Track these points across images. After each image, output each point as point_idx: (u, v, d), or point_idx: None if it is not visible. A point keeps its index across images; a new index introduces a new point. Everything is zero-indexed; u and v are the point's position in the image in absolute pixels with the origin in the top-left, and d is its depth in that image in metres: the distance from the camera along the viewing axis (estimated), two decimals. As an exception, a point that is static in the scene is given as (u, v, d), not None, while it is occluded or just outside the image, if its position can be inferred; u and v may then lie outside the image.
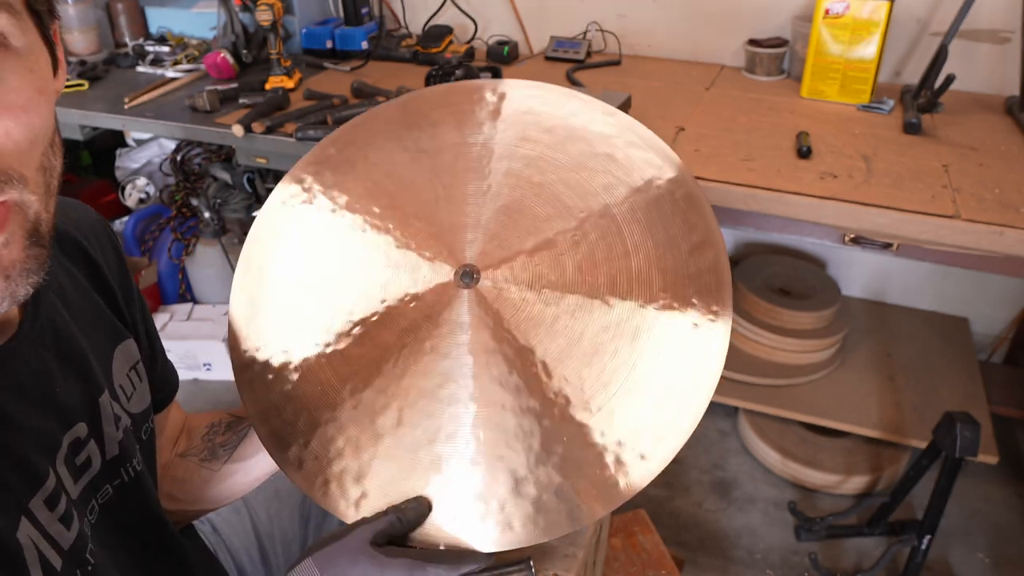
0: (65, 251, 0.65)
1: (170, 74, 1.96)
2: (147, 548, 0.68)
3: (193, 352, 2.13)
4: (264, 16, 1.71)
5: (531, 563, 1.00)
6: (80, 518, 0.59)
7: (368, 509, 0.65)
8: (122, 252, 0.74)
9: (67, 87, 1.85)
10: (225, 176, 2.10)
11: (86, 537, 0.59)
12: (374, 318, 0.69)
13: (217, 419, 0.81)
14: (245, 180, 2.08)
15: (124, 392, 0.67)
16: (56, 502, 0.56)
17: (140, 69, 2.02)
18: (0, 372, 0.54)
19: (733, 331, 1.99)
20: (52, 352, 0.59)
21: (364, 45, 2.04)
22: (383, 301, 0.69)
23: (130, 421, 0.68)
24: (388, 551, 0.59)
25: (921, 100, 1.61)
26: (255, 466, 0.78)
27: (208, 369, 2.16)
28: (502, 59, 2.01)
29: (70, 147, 2.43)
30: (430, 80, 1.69)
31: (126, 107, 1.75)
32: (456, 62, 1.71)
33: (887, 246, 1.37)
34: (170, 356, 0.84)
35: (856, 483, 1.82)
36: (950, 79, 1.54)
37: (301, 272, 0.72)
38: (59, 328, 0.60)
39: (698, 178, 1.38)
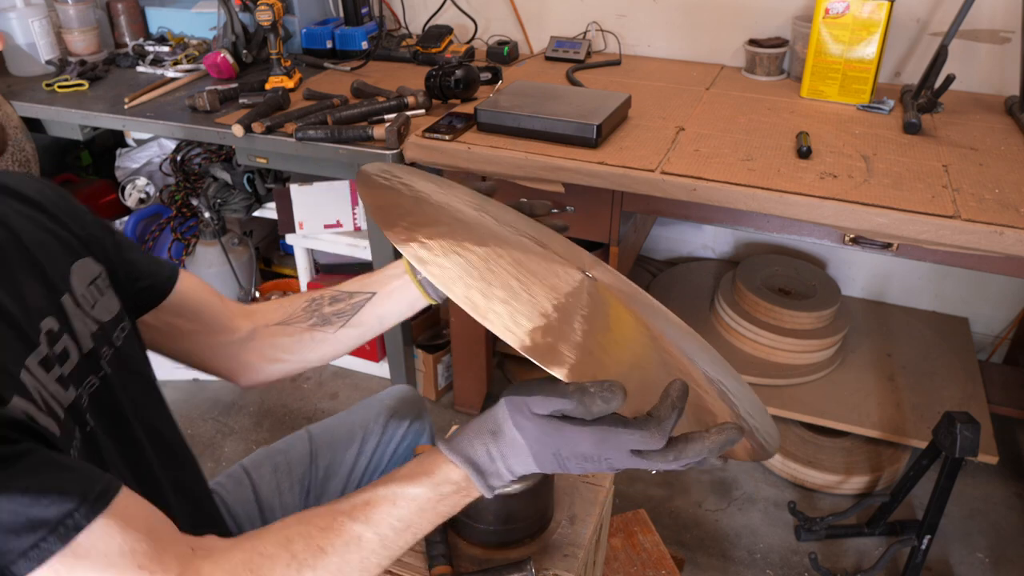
0: (13, 198, 0.77)
1: (170, 74, 1.96)
2: (135, 440, 0.78)
3: (193, 352, 2.13)
4: (264, 16, 1.71)
5: (531, 563, 1.00)
6: (77, 395, 0.69)
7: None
8: (71, 197, 0.84)
9: (67, 87, 1.85)
10: (225, 176, 2.10)
11: (83, 407, 0.70)
12: None
13: (317, 295, 0.94)
14: (245, 180, 2.08)
15: (86, 301, 0.77)
16: (50, 366, 0.66)
17: (140, 69, 2.02)
18: None
19: (733, 331, 2.00)
20: (11, 256, 0.70)
21: (364, 45, 2.04)
22: None
23: (97, 326, 0.77)
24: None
25: (921, 100, 1.61)
26: (370, 331, 0.92)
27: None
28: (502, 59, 2.01)
29: (70, 147, 2.43)
30: (430, 80, 1.69)
31: (126, 107, 1.75)
32: (456, 62, 1.71)
33: (887, 246, 1.37)
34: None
35: (856, 483, 1.82)
36: (950, 79, 1.54)
37: None
38: (13, 242, 0.71)
39: (698, 178, 1.38)
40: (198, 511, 0.89)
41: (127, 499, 0.59)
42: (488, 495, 0.64)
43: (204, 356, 0.93)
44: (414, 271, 0.81)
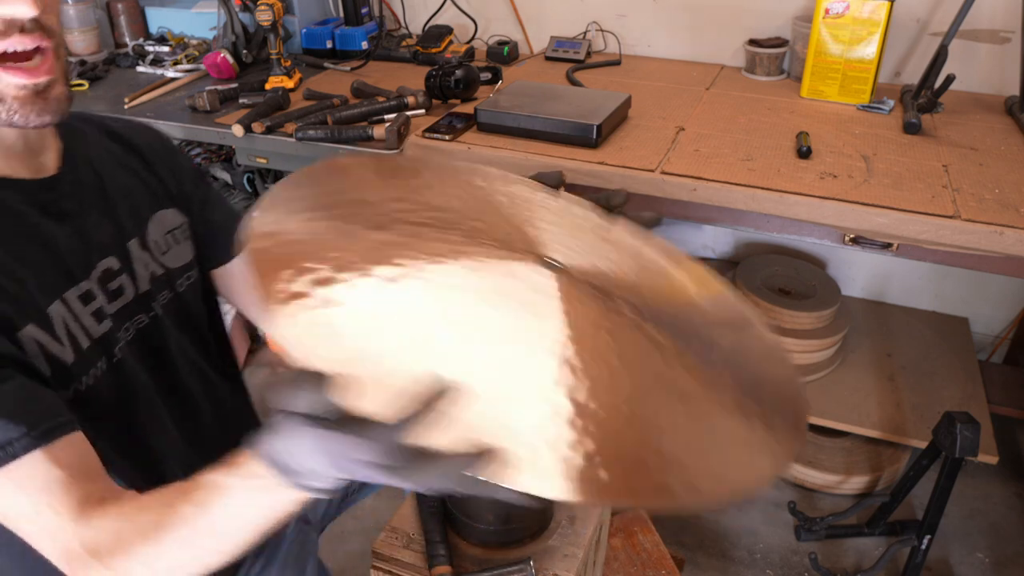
0: (115, 141, 0.86)
1: (170, 74, 1.96)
2: (175, 377, 0.86)
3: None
4: (264, 16, 1.71)
5: (531, 563, 1.00)
6: (116, 325, 0.79)
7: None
8: (176, 150, 0.93)
9: (67, 87, 1.85)
10: (225, 176, 2.10)
11: (117, 338, 0.79)
12: None
13: None
14: (245, 180, 2.08)
15: (159, 247, 0.86)
16: (89, 300, 0.75)
17: (140, 69, 2.02)
18: (44, 196, 0.74)
19: (733, 331, 2.00)
20: (89, 197, 0.79)
21: (364, 45, 2.04)
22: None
23: (163, 270, 0.86)
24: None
25: (921, 100, 1.61)
26: None
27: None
28: (502, 59, 2.01)
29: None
30: (430, 80, 1.69)
31: (126, 107, 1.75)
32: (456, 62, 1.71)
33: (887, 246, 1.37)
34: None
35: (856, 483, 1.82)
36: (950, 79, 1.54)
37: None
38: (96, 183, 0.80)
39: (698, 178, 1.38)
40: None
41: (71, 441, 0.65)
42: (317, 495, 0.54)
43: (255, 319, 0.98)
44: None
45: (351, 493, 1.16)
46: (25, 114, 0.67)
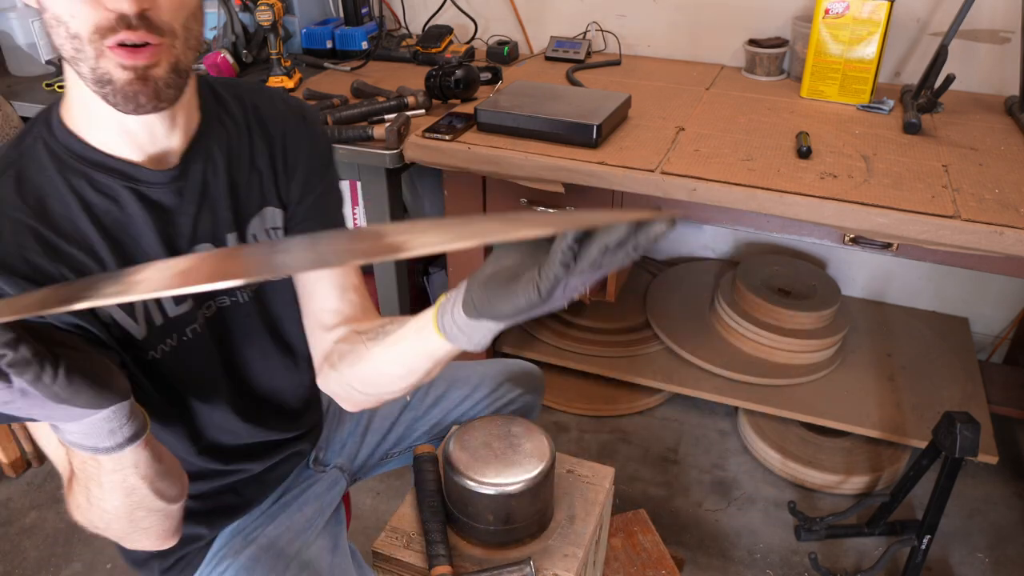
0: (256, 125, 0.87)
1: (170, 74, 1.96)
2: (240, 356, 0.90)
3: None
4: (264, 16, 1.71)
5: (531, 563, 1.00)
6: (195, 308, 0.83)
7: None
8: (312, 147, 0.91)
9: (67, 87, 1.85)
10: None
11: (193, 320, 0.82)
12: None
13: (405, 317, 0.88)
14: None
15: (255, 240, 0.88)
16: None
17: (140, 69, 2.01)
18: (154, 190, 0.77)
19: (734, 331, 2.00)
20: (198, 194, 0.80)
21: (364, 45, 2.04)
22: None
23: None
24: None
25: (921, 100, 1.61)
26: (387, 361, 0.81)
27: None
28: (502, 59, 2.01)
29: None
30: (430, 80, 1.69)
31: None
32: (456, 62, 1.71)
33: (887, 246, 1.37)
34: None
35: (856, 483, 1.82)
36: (950, 79, 1.54)
37: None
38: (211, 181, 0.82)
39: (698, 178, 1.38)
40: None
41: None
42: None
43: (311, 338, 0.95)
44: (439, 318, 0.74)
45: (388, 455, 1.21)
46: (124, 97, 0.67)
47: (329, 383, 0.91)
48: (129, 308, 0.77)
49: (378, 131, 1.52)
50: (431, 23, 2.15)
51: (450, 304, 0.70)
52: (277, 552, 0.96)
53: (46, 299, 0.49)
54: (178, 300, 0.81)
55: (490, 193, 1.65)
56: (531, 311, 0.62)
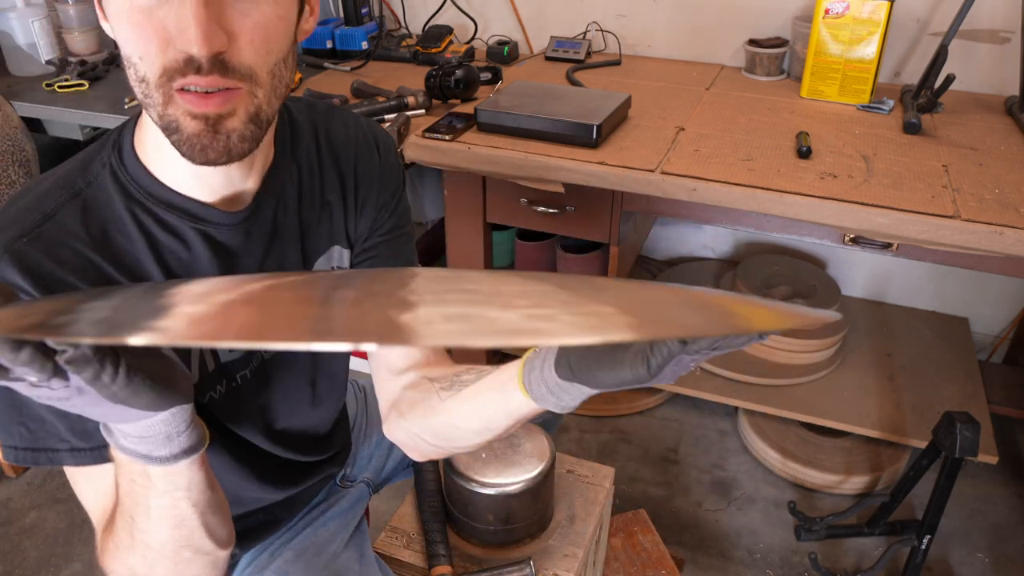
0: (329, 152, 0.82)
1: (170, 74, 1.96)
2: (282, 399, 0.85)
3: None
4: (264, 16, 1.70)
5: (531, 563, 1.00)
6: (247, 355, 0.79)
7: None
8: (387, 183, 0.86)
9: (67, 87, 1.85)
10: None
11: (242, 366, 0.79)
12: None
13: (483, 366, 0.81)
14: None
15: None
16: None
17: (140, 69, 2.01)
18: (221, 232, 0.72)
19: (733, 331, 1.99)
20: (265, 237, 0.76)
21: (364, 45, 2.04)
22: None
23: None
24: None
25: (921, 100, 1.61)
26: (464, 418, 0.76)
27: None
28: (502, 59, 2.01)
29: (70, 147, 2.43)
30: (430, 80, 1.69)
31: (126, 107, 1.75)
32: (456, 62, 1.71)
33: (887, 246, 1.37)
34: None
35: (856, 483, 1.82)
36: (950, 79, 1.54)
37: None
38: (280, 221, 0.77)
39: (698, 178, 1.38)
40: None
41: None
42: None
43: (376, 380, 0.91)
44: (525, 375, 0.67)
45: (409, 464, 1.18)
46: (191, 148, 0.60)
47: (397, 432, 0.86)
48: (186, 355, 0.73)
49: (378, 131, 1.52)
50: (431, 23, 2.15)
51: (539, 361, 0.64)
52: (305, 564, 0.94)
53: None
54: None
55: (490, 193, 1.65)
56: (634, 384, 0.56)
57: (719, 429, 2.05)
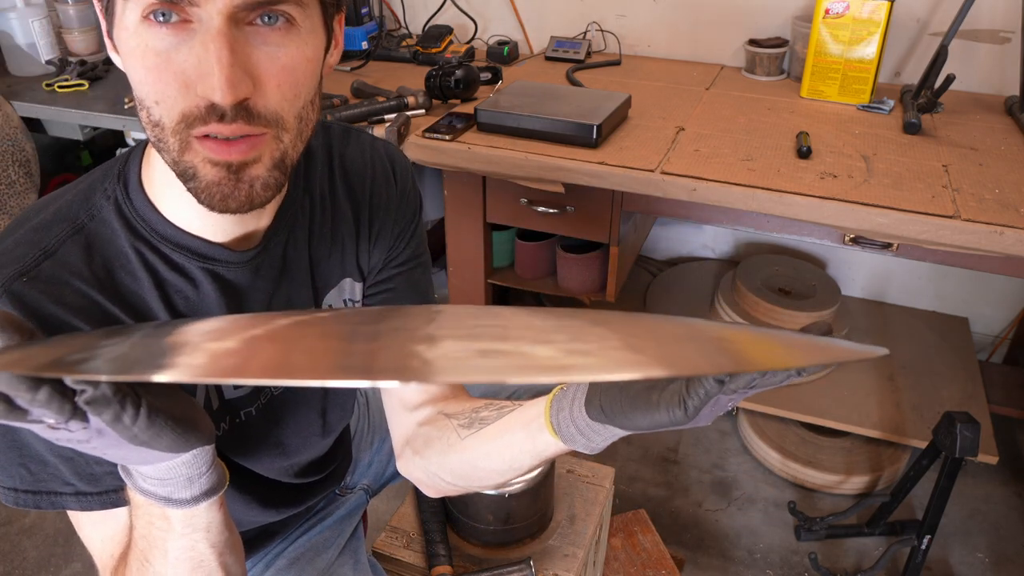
0: (343, 179, 0.79)
1: (170, 74, 1.96)
2: (288, 432, 0.83)
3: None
4: (264, 16, 1.70)
5: (531, 563, 1.00)
6: (254, 391, 0.76)
7: None
8: (402, 212, 0.83)
9: (67, 87, 1.85)
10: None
11: (247, 403, 0.76)
12: None
13: (496, 401, 0.79)
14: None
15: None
16: None
17: (140, 69, 2.01)
18: (230, 271, 0.69)
19: (733, 331, 2.00)
20: (275, 274, 0.73)
21: (364, 45, 2.04)
22: None
23: None
24: None
25: (921, 100, 1.61)
26: (487, 457, 0.73)
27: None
28: (502, 59, 2.01)
29: (70, 147, 2.43)
30: (430, 80, 1.69)
31: (126, 107, 1.75)
32: (456, 62, 1.71)
33: (887, 246, 1.37)
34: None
35: (856, 483, 1.82)
36: (950, 79, 1.54)
37: None
38: (290, 257, 0.74)
39: (698, 178, 1.38)
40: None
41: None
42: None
43: (389, 415, 0.89)
44: (553, 415, 0.65)
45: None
46: (211, 197, 0.56)
47: (412, 469, 0.84)
48: (192, 391, 0.70)
49: (378, 131, 1.52)
50: (431, 23, 2.15)
51: (568, 400, 0.62)
52: (299, 571, 0.94)
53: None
54: (236, 385, 0.72)
55: (490, 193, 1.65)
56: (670, 427, 0.54)
57: (719, 429, 2.05)
